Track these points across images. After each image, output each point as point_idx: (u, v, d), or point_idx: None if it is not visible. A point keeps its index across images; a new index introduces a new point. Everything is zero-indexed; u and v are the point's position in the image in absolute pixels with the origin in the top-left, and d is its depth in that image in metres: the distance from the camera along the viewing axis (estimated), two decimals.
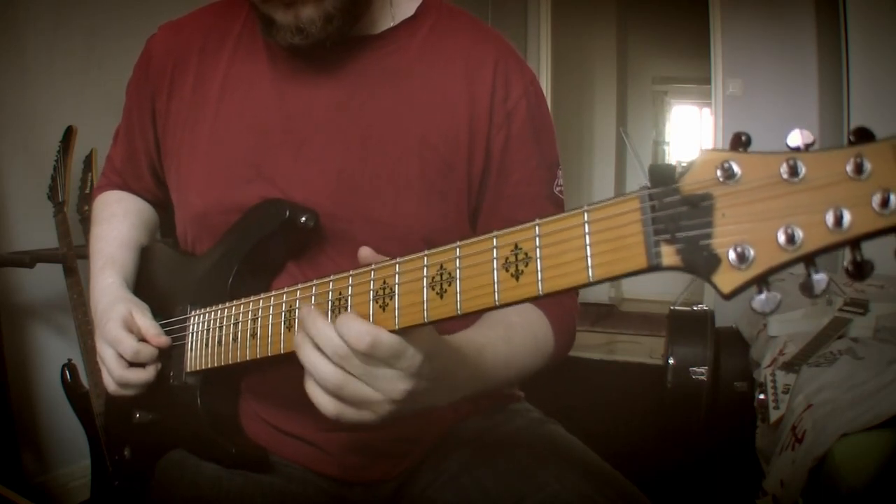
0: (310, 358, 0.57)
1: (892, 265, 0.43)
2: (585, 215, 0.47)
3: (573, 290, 0.58)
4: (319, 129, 0.80)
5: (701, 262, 0.42)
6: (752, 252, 0.40)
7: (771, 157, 0.40)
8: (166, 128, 0.87)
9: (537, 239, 0.49)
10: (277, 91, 0.82)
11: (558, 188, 0.86)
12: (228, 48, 0.85)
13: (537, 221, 0.49)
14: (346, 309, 0.60)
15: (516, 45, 0.87)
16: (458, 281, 0.53)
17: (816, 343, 1.93)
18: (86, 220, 1.80)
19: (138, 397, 0.81)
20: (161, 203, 1.00)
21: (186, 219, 0.87)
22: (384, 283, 0.57)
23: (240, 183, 0.81)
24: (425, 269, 0.54)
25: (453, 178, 0.81)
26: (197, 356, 0.79)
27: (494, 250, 0.51)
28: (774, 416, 1.72)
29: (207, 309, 0.79)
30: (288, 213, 0.76)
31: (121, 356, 0.79)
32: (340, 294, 0.60)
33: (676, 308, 2.74)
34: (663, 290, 4.89)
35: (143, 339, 0.80)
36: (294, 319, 0.66)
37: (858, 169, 0.37)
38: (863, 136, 0.38)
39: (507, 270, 0.50)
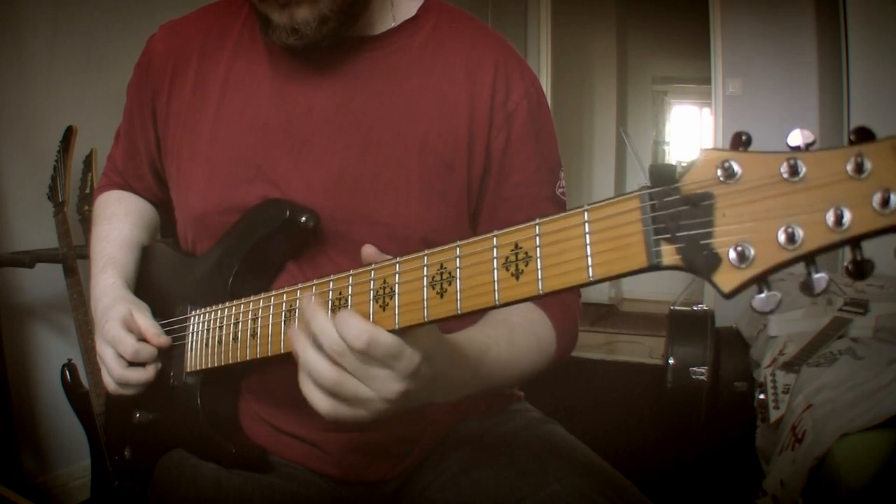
0: (306, 354, 0.57)
1: (893, 265, 0.43)
2: (585, 214, 0.47)
3: (574, 290, 0.58)
4: (320, 129, 0.80)
5: (701, 262, 0.42)
6: (752, 251, 0.40)
7: (771, 157, 0.40)
8: (167, 127, 0.87)
9: (537, 238, 0.49)
10: (278, 91, 0.82)
11: (560, 189, 0.86)
12: (229, 48, 0.85)
13: (537, 221, 0.49)
14: (339, 310, 0.60)
15: (516, 45, 0.87)
16: (458, 280, 0.53)
17: (816, 343, 1.93)
18: (86, 220, 1.80)
19: (138, 397, 0.81)
20: (162, 203, 1.00)
21: (187, 219, 0.87)
22: (384, 282, 0.57)
23: (240, 183, 0.81)
24: (425, 268, 0.54)
25: (453, 180, 0.81)
26: (197, 356, 0.79)
27: (495, 249, 0.51)
28: (774, 416, 1.73)
29: (207, 309, 0.79)
30: (288, 213, 0.76)
31: (120, 356, 0.79)
32: (340, 294, 0.60)
33: (676, 308, 2.75)
34: (663, 290, 4.89)
35: (143, 339, 0.80)
36: (295, 319, 0.66)
37: (859, 168, 0.37)
38: (863, 135, 0.38)
39: (507, 270, 0.50)
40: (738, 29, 3.79)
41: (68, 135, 1.78)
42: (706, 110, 5.67)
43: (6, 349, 1.80)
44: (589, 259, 0.46)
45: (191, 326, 0.81)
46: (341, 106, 0.80)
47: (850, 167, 0.37)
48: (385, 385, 0.56)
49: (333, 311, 0.61)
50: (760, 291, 0.41)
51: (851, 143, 0.38)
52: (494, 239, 0.51)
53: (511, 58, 0.84)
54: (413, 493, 0.85)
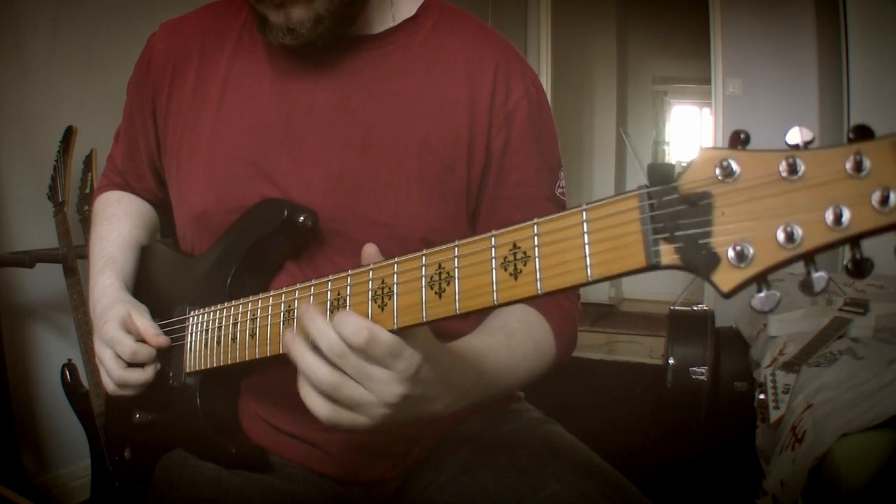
0: (304, 358, 0.57)
1: (892, 264, 0.42)
2: (584, 214, 0.47)
3: (573, 290, 0.58)
4: (319, 129, 0.80)
5: (700, 261, 0.41)
6: (751, 250, 0.40)
7: (770, 155, 0.40)
8: (167, 127, 0.87)
9: (536, 238, 0.49)
10: (278, 91, 0.82)
11: (560, 189, 0.86)
12: (229, 47, 0.85)
13: (536, 221, 0.49)
14: (337, 310, 0.59)
15: (516, 45, 0.87)
16: (456, 280, 0.52)
17: (816, 343, 1.93)
18: (86, 220, 1.80)
19: (138, 398, 0.81)
20: (162, 203, 1.00)
21: (186, 218, 0.87)
22: (383, 282, 0.57)
23: (240, 182, 0.81)
24: (424, 268, 0.54)
25: (453, 180, 0.81)
26: (196, 356, 0.79)
27: (493, 249, 0.51)
28: (774, 416, 1.72)
29: (206, 309, 0.79)
30: (287, 213, 0.76)
31: (119, 357, 0.79)
32: (339, 294, 0.60)
33: (676, 308, 2.74)
34: (663, 289, 4.89)
35: (141, 340, 0.80)
36: (293, 320, 0.66)
37: (858, 167, 0.37)
38: (862, 133, 0.38)
39: (505, 270, 0.50)
40: (738, 29, 3.79)
41: (68, 135, 1.78)
42: (706, 110, 5.67)
43: (6, 349, 1.80)
44: (587, 259, 0.46)
45: (190, 327, 0.81)
46: (341, 105, 0.80)
47: (849, 165, 0.37)
48: (385, 388, 0.56)
49: (332, 311, 0.60)
50: (760, 291, 0.41)
51: (850, 141, 0.38)
52: (493, 239, 0.51)
53: (512, 58, 0.84)
54: (413, 493, 0.85)
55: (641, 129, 5.94)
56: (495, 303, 0.50)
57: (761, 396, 1.89)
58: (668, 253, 0.43)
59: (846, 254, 0.39)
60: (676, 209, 0.42)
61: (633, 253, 0.44)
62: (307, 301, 0.64)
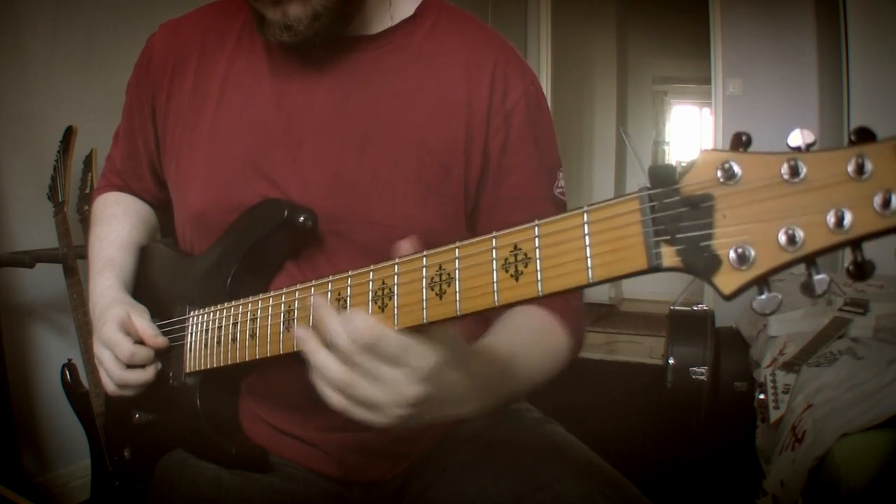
0: (318, 356, 0.57)
1: (893, 265, 0.42)
2: (585, 216, 0.47)
3: (574, 291, 0.58)
4: (318, 129, 0.80)
5: (701, 263, 0.41)
6: (752, 253, 0.40)
7: (771, 158, 0.40)
8: (166, 126, 0.87)
9: (537, 240, 0.49)
10: (277, 90, 0.82)
11: (559, 190, 0.86)
12: (228, 47, 0.85)
13: (537, 222, 0.49)
14: (344, 310, 0.59)
15: (516, 45, 0.87)
16: (457, 281, 0.52)
17: (816, 343, 1.93)
18: (86, 220, 1.79)
19: (138, 398, 0.81)
20: (161, 204, 1.00)
21: (185, 218, 0.87)
22: (383, 283, 0.57)
23: (239, 182, 0.81)
24: (424, 269, 0.54)
25: (451, 180, 0.81)
26: (196, 357, 0.79)
27: (494, 251, 0.51)
28: (774, 416, 1.72)
29: (206, 309, 0.79)
30: (286, 213, 0.76)
31: (117, 358, 0.79)
32: (339, 295, 0.60)
33: (676, 308, 2.74)
34: (663, 290, 4.89)
35: (140, 341, 0.80)
36: (293, 320, 0.66)
37: (860, 169, 0.37)
38: (864, 136, 0.38)
39: (506, 271, 0.50)
40: (738, 29, 3.78)
41: (68, 135, 1.78)
42: (706, 110, 5.67)
43: (6, 349, 1.80)
44: (588, 261, 0.46)
45: (189, 327, 0.81)
46: (339, 105, 0.80)
47: (850, 168, 0.37)
48: (397, 388, 0.55)
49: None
50: (761, 293, 0.41)
51: (852, 143, 0.38)
52: (493, 240, 0.51)
53: (511, 57, 0.84)
54: (413, 494, 0.84)
55: (641, 129, 5.94)
56: (496, 303, 0.51)
57: (761, 396, 1.89)
58: (669, 255, 0.43)
59: (847, 256, 0.39)
60: (678, 211, 0.42)
61: (635, 255, 0.44)
62: (307, 301, 0.64)
